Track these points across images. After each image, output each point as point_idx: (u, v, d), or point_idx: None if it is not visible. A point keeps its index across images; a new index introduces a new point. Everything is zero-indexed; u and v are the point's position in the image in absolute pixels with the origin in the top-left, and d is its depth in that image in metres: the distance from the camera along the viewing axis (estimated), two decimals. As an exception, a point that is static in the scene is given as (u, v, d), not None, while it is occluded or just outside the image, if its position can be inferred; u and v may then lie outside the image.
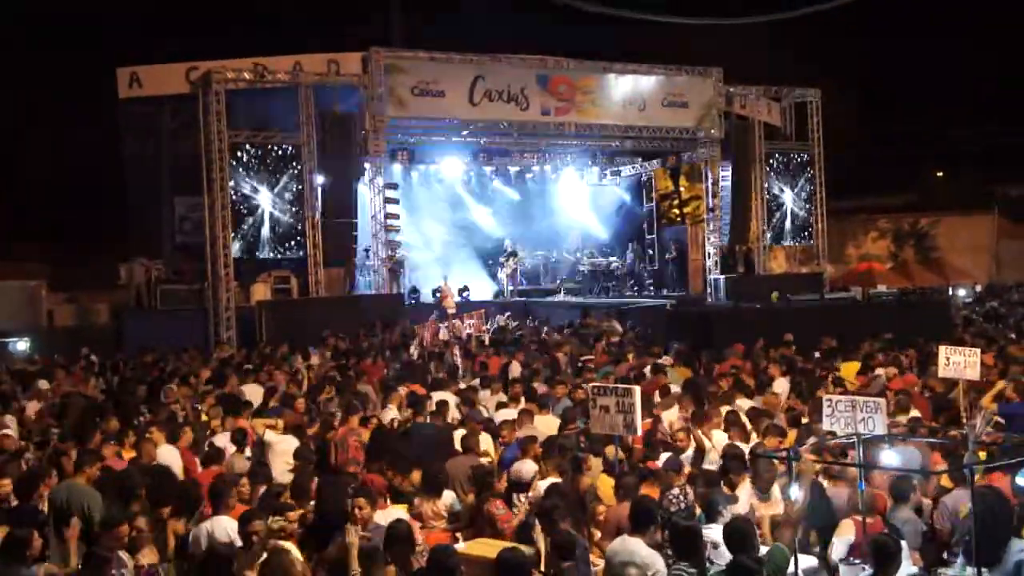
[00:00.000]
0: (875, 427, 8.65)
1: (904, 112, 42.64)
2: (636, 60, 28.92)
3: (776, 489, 8.74)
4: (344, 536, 7.01)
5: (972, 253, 43.17)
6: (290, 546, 7.29)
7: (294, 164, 25.61)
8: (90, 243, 28.43)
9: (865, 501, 7.91)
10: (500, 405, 13.39)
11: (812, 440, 9.58)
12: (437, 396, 13.47)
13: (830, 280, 32.36)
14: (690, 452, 10.36)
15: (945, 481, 8.79)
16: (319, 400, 13.90)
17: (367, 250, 27.36)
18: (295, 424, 11.75)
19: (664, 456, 10.03)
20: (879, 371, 15.33)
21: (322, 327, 22.13)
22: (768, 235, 32.21)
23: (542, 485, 9.17)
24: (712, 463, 9.94)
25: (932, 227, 44.40)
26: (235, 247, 24.81)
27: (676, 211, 34.01)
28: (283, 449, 10.64)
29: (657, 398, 13.22)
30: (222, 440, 11.12)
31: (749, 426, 11.17)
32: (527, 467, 9.60)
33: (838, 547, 7.86)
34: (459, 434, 11.12)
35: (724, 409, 11.82)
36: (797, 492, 7.56)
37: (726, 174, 31.32)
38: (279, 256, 25.81)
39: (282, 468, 10.21)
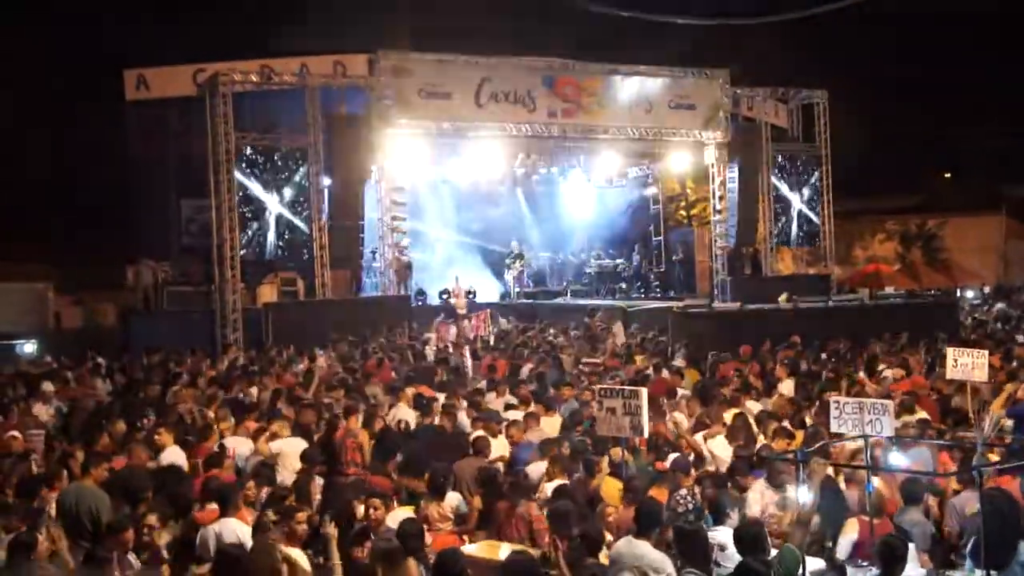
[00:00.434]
0: (883, 429, 8.63)
1: (912, 113, 42.52)
2: (643, 62, 28.89)
3: (790, 491, 8.71)
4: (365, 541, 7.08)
5: (980, 254, 43.10)
6: (298, 554, 7.29)
7: (301, 166, 25.63)
8: (97, 245, 28.43)
9: (872, 502, 7.89)
10: (508, 407, 13.39)
11: (822, 442, 9.55)
12: (444, 398, 13.48)
13: (837, 282, 32.31)
14: (691, 458, 10.34)
15: (952, 483, 8.76)
16: (325, 402, 13.88)
17: (374, 252, 27.36)
18: (304, 424, 11.76)
19: (672, 457, 10.02)
20: (887, 372, 15.32)
21: (329, 329, 22.13)
22: (775, 237, 32.16)
23: (549, 487, 9.16)
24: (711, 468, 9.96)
25: (939, 228, 44.31)
26: (241, 249, 24.83)
27: (683, 213, 33.96)
28: (291, 451, 10.62)
29: (664, 400, 13.20)
30: (230, 443, 11.12)
31: (756, 429, 11.16)
32: (535, 469, 9.60)
33: (843, 545, 7.85)
34: (471, 435, 11.14)
35: (731, 413, 11.81)
36: (807, 494, 7.54)
37: (733, 176, 31.26)
38: (286, 258, 25.82)
39: (293, 471, 10.20)
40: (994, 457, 9.00)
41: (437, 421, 12.45)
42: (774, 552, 7.01)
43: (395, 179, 26.59)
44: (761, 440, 10.88)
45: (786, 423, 11.36)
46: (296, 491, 8.82)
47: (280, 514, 7.73)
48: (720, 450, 10.74)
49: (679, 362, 17.03)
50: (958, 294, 33.79)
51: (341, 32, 29.61)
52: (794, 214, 32.69)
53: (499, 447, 11.25)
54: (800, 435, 10.62)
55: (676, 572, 6.91)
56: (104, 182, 29.00)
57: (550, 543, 7.54)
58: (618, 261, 33.63)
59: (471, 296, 28.69)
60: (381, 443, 11.41)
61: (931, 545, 7.90)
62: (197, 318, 24.25)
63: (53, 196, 30.61)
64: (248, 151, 25.10)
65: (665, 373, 16.05)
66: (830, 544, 8.11)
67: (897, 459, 8.62)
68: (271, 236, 25.49)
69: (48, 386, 15.55)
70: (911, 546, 7.43)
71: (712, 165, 30.37)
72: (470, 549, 7.86)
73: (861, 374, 15.39)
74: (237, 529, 7.66)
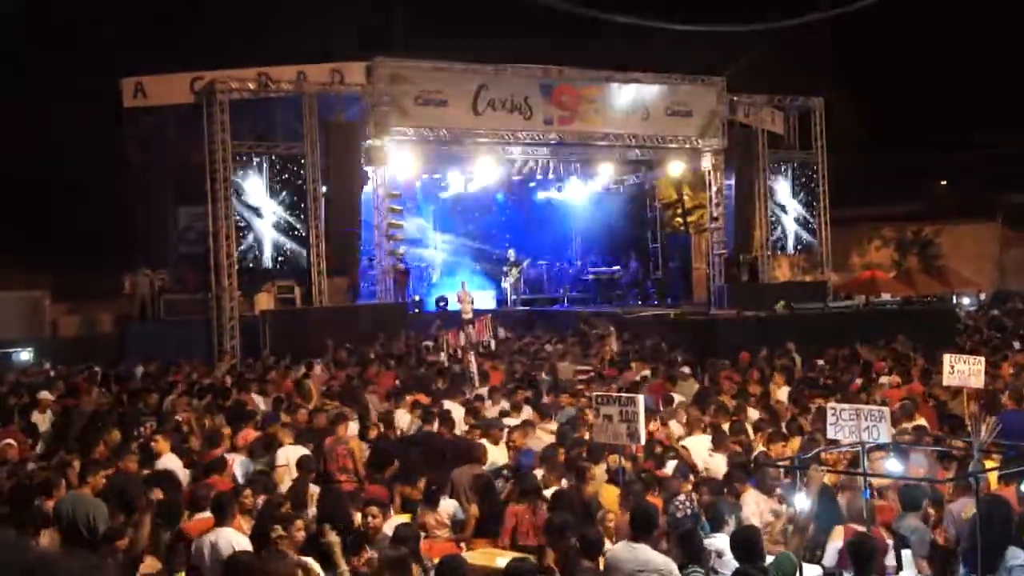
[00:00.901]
0: (879, 435, 8.63)
1: (907, 120, 42.60)
2: (639, 69, 28.95)
3: (783, 497, 8.73)
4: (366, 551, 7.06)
5: (976, 261, 43.09)
6: (313, 563, 7.27)
7: (298, 173, 25.65)
8: (93, 253, 28.39)
9: (867, 509, 7.90)
10: (503, 414, 13.39)
11: (818, 449, 9.56)
12: (444, 405, 13.49)
13: (834, 289, 32.32)
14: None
15: (949, 489, 8.78)
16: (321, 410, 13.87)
17: (371, 259, 27.37)
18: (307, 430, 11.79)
19: (671, 464, 10.04)
20: (883, 379, 15.34)
21: (326, 336, 22.13)
22: (772, 244, 32.20)
23: (546, 494, 9.17)
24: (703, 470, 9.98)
25: (936, 235, 44.33)
26: (238, 257, 24.83)
27: (679, 220, 33.99)
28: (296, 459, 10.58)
29: (661, 407, 13.23)
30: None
31: (753, 436, 11.18)
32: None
33: (829, 553, 7.86)
34: (470, 442, 11.15)
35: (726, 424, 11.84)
36: (804, 500, 7.55)
37: (729, 183, 31.30)
38: (283, 266, 25.82)
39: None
40: (990, 464, 9.01)
41: (435, 428, 12.45)
42: (770, 558, 7.02)
43: (392, 186, 26.62)
44: (759, 447, 10.89)
45: (783, 429, 11.38)
46: (292, 498, 8.81)
47: (278, 522, 7.71)
48: (695, 447, 10.78)
49: (685, 370, 17.01)
50: (954, 301, 33.79)
51: (338, 40, 29.64)
52: (791, 221, 32.74)
53: (500, 454, 11.25)
54: (797, 441, 10.63)
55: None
56: (101, 190, 28.99)
57: (546, 551, 7.53)
58: (615, 268, 33.66)
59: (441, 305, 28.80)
60: (377, 451, 11.41)
61: (929, 551, 7.90)
62: (194, 326, 24.23)
63: (50, 203, 30.57)
64: (246, 159, 25.13)
65: (656, 377, 16.15)
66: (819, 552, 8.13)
67: (894, 466, 8.62)
68: (268, 244, 25.49)
69: (46, 395, 15.54)
70: (909, 552, 7.45)
71: (709, 172, 30.44)
72: (468, 557, 7.85)
73: (858, 381, 15.42)
74: (233, 539, 7.61)
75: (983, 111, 41.75)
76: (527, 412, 13.24)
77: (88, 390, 16.69)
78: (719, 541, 7.42)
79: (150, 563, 7.59)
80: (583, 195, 34.68)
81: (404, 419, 13.10)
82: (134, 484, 9.14)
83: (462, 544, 8.84)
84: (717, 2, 27.32)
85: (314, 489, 9.70)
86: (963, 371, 12.62)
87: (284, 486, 9.82)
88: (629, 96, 28.61)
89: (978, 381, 12.61)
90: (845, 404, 9.65)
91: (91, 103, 28.31)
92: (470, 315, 25.65)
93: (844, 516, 8.36)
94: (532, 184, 33.25)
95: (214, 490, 8.80)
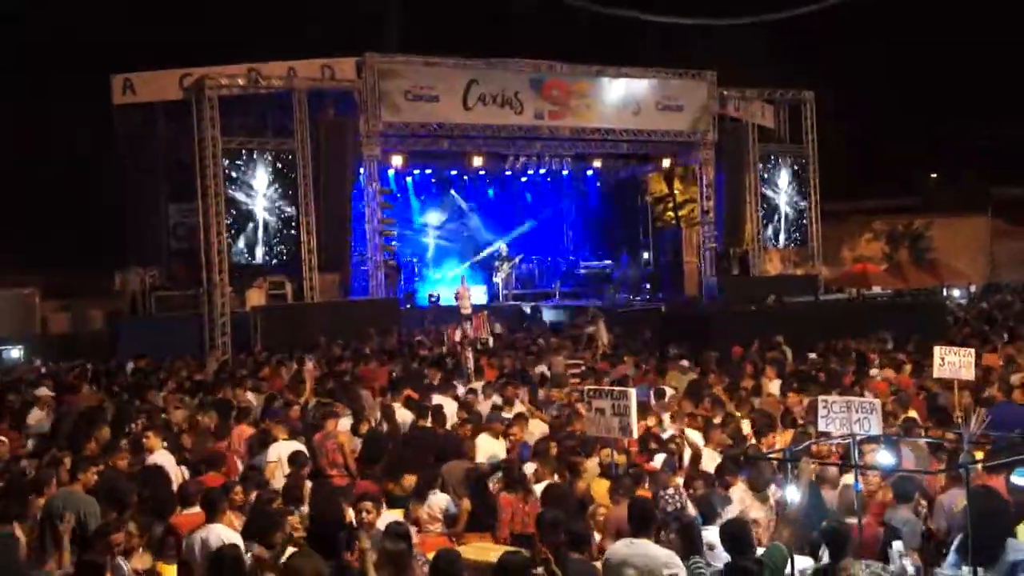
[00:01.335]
0: (870, 428, 8.65)
1: (899, 114, 42.69)
2: (630, 63, 28.97)
3: (772, 490, 8.74)
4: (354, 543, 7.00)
5: (967, 254, 43.20)
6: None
7: (289, 169, 25.61)
8: (84, 250, 28.36)
9: (858, 502, 7.93)
10: (495, 408, 13.38)
11: (809, 441, 9.58)
12: (436, 400, 13.47)
13: (825, 282, 32.41)
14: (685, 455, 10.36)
15: (939, 481, 8.80)
16: (311, 406, 13.87)
17: (362, 255, 27.35)
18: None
19: (659, 457, 10.05)
20: (874, 371, 15.38)
21: (318, 332, 22.13)
22: (763, 237, 32.26)
23: (538, 488, 9.18)
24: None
25: (926, 228, 44.45)
26: (230, 253, 24.79)
27: (671, 214, 34.04)
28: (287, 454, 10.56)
29: (652, 400, 13.24)
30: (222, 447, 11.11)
31: (747, 430, 11.20)
32: (524, 469, 9.63)
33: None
34: (461, 437, 11.16)
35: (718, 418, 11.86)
36: (794, 493, 7.56)
37: (720, 177, 31.36)
38: (274, 261, 25.79)
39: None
40: (980, 455, 9.03)
41: (428, 423, 12.44)
42: (761, 551, 7.04)
43: (383, 182, 26.59)
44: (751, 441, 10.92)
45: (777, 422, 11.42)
46: (286, 494, 8.80)
47: (270, 519, 7.69)
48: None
49: (684, 363, 17.01)
50: (944, 293, 33.89)
51: (329, 35, 29.60)
52: (781, 215, 32.81)
53: (499, 448, 11.25)
54: (789, 434, 10.66)
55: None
56: (91, 187, 28.93)
57: (536, 546, 7.51)
58: (606, 262, 33.70)
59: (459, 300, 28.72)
60: (369, 446, 11.41)
61: (920, 543, 7.92)
62: (185, 323, 24.19)
63: (40, 201, 30.50)
64: (236, 155, 25.09)
65: (648, 371, 16.20)
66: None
67: (885, 458, 8.64)
68: (259, 239, 25.45)
69: (45, 391, 15.51)
70: (900, 544, 7.47)
71: (699, 166, 30.48)
72: (461, 551, 7.84)
73: (851, 373, 15.44)
74: (224, 535, 7.59)
75: (975, 105, 41.84)
76: (519, 406, 13.24)
77: (79, 387, 16.66)
78: (711, 534, 7.42)
79: (142, 558, 7.58)
80: (574, 190, 34.70)
81: (399, 414, 13.07)
82: (125, 481, 9.12)
83: (454, 539, 8.84)
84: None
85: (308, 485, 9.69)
86: (954, 363, 12.65)
87: (276, 482, 9.81)
88: (620, 91, 28.65)
89: (968, 373, 12.64)
90: (836, 397, 9.68)
91: (81, 100, 28.25)
92: (469, 311, 25.65)
93: (831, 509, 8.38)
94: (523, 179, 33.26)
95: (204, 485, 8.78)
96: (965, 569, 6.74)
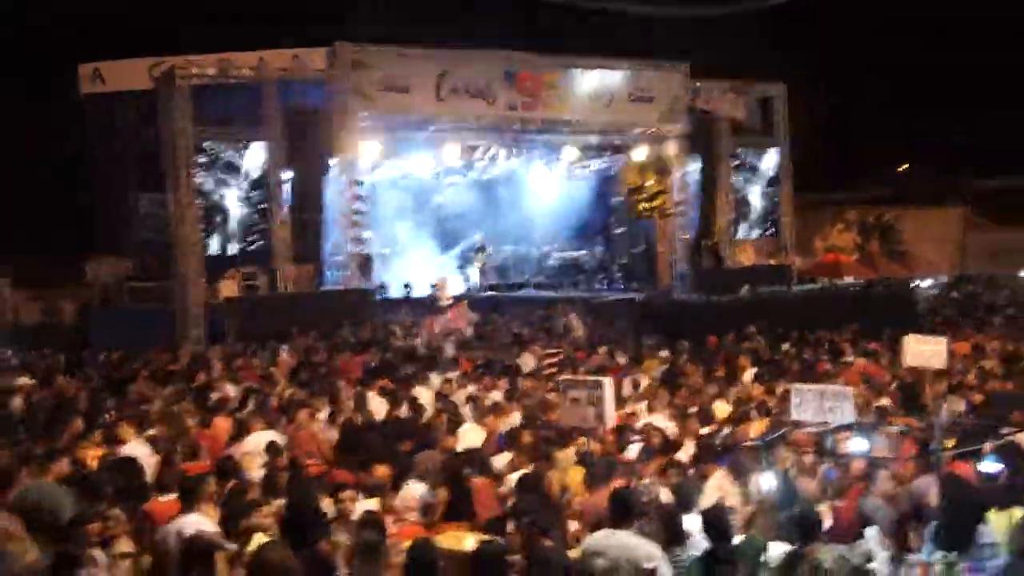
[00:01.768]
0: (843, 416, 8.75)
1: (870, 105, 42.92)
2: (602, 54, 28.96)
3: (751, 480, 8.80)
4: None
5: (938, 245, 43.59)
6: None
7: (260, 160, 25.48)
8: (55, 240, 28.09)
9: (834, 488, 8.01)
10: (470, 399, 13.41)
11: (783, 429, 9.66)
12: (412, 391, 13.48)
13: (797, 272, 32.62)
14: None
15: (910, 468, 8.89)
16: (284, 397, 13.83)
17: (335, 245, 27.24)
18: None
19: (635, 447, 10.09)
20: (849, 358, 15.53)
21: (291, 323, 22.04)
22: (736, 228, 32.41)
23: (514, 477, 9.20)
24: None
25: (896, 220, 44.78)
26: (202, 244, 24.64)
27: (644, 205, 34.05)
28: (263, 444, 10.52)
29: (628, 390, 13.30)
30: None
31: (721, 418, 11.28)
32: (500, 458, 9.64)
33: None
34: (438, 426, 11.17)
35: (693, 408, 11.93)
36: (770, 481, 7.62)
37: (693, 168, 31.48)
38: (247, 252, 25.66)
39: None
40: (950, 442, 9.14)
41: (403, 413, 12.45)
42: (738, 539, 7.09)
43: (355, 172, 26.42)
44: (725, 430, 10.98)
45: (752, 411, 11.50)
46: (264, 484, 8.76)
47: (245, 509, 7.66)
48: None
49: (663, 353, 17.07)
50: (915, 284, 34.20)
51: (300, 25, 29.39)
52: (754, 206, 32.97)
53: (477, 437, 11.26)
54: (764, 423, 10.74)
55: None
56: (61, 177, 28.66)
57: (511, 532, 7.53)
58: (580, 253, 33.75)
59: (434, 290, 28.67)
60: (345, 436, 11.39)
61: (891, 529, 8.01)
62: (157, 314, 24.03)
63: (9, 191, 30.15)
64: (207, 145, 24.92)
65: (623, 361, 16.26)
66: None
67: (859, 445, 8.72)
68: (232, 230, 25.32)
69: (25, 381, 15.38)
70: (874, 530, 7.56)
71: (672, 158, 30.54)
72: (436, 540, 7.85)
73: (827, 363, 15.56)
74: (200, 525, 7.54)
75: (949, 97, 42.12)
76: (494, 396, 13.26)
77: (53, 378, 16.54)
78: (687, 522, 7.46)
79: (123, 543, 7.52)
80: (548, 181, 34.70)
81: (374, 403, 13.07)
82: (98, 471, 9.05)
83: (430, 528, 8.84)
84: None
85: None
86: (924, 352, 12.80)
87: (252, 473, 9.77)
88: (592, 82, 28.61)
89: (939, 361, 12.79)
90: (810, 385, 9.78)
91: (50, 90, 27.95)
92: (449, 302, 25.60)
93: (806, 496, 8.45)
94: (496, 170, 33.21)
95: (181, 472, 8.73)
96: (938, 554, 6.82)
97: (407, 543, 7.01)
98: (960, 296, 29.73)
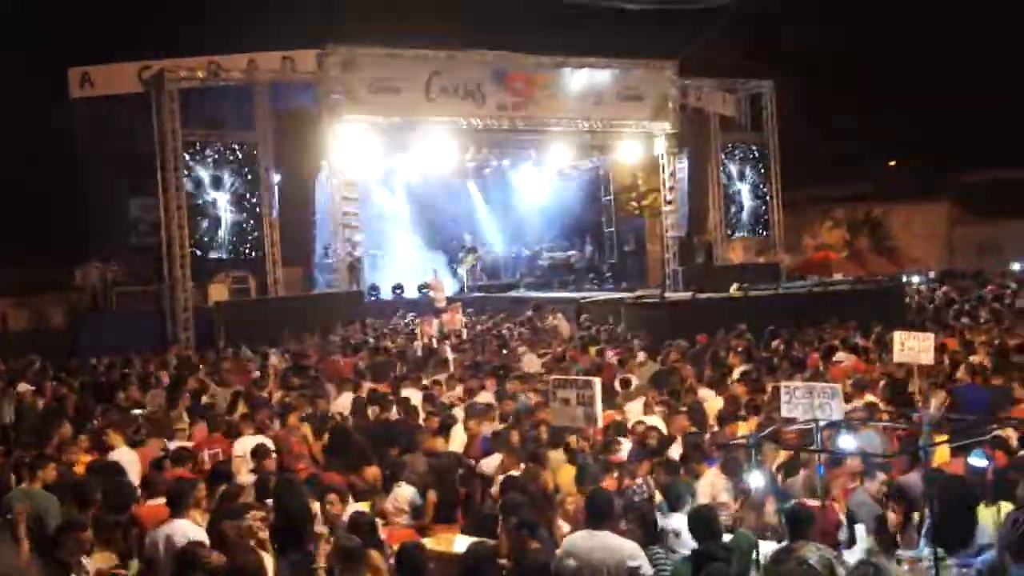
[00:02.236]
0: (832, 412, 8.75)
1: (858, 102, 43.01)
2: (591, 53, 28.96)
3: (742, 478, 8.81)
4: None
5: (926, 241, 43.77)
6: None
7: (250, 162, 25.44)
8: (43, 245, 27.96)
9: (822, 485, 8.02)
10: (460, 400, 13.39)
11: (773, 427, 9.66)
12: (402, 393, 13.46)
13: (787, 270, 32.67)
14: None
15: (898, 464, 8.91)
16: (276, 400, 13.79)
17: (326, 248, 27.21)
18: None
19: (626, 447, 10.08)
20: (839, 355, 15.54)
21: (281, 327, 22.01)
22: (725, 226, 32.46)
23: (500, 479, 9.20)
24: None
25: (885, 216, 44.91)
26: (192, 247, 24.59)
27: (634, 204, 34.13)
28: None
29: (619, 389, 13.30)
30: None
31: (712, 417, 11.28)
32: (489, 461, 9.63)
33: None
34: (428, 428, 11.16)
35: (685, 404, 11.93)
36: (759, 478, 7.63)
37: (682, 166, 31.51)
38: (236, 256, 25.62)
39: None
40: (940, 438, 9.15)
41: (393, 415, 12.42)
42: (727, 537, 7.08)
43: (346, 174, 26.41)
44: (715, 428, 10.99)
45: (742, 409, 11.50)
46: (258, 488, 8.74)
47: (234, 513, 7.62)
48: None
49: (641, 356, 17.06)
50: (903, 280, 34.29)
51: (289, 27, 29.34)
52: (744, 204, 33.03)
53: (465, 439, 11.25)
54: (754, 421, 10.74)
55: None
56: (50, 181, 28.52)
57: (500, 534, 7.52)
58: (571, 253, 33.77)
59: (424, 291, 28.68)
60: (335, 439, 11.36)
61: (878, 526, 8.02)
62: (147, 318, 23.99)
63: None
64: (197, 148, 24.89)
65: (611, 357, 16.29)
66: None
67: (847, 442, 8.73)
68: (222, 234, 25.28)
69: (25, 387, 15.32)
70: (861, 527, 7.57)
71: (662, 156, 30.56)
72: (426, 542, 7.85)
73: (818, 360, 15.56)
74: (189, 532, 7.49)
75: (934, 93, 42.24)
76: (483, 397, 13.24)
77: (41, 384, 16.46)
78: (676, 521, 7.46)
79: (103, 556, 7.47)
80: (538, 180, 34.72)
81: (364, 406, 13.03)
82: (86, 478, 9.02)
83: (420, 531, 8.84)
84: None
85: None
86: (913, 348, 12.83)
87: (241, 477, 9.75)
88: (582, 81, 28.61)
89: (928, 357, 12.82)
90: (799, 383, 9.79)
91: (40, 93, 27.85)
92: (443, 303, 25.56)
93: (791, 493, 8.46)
94: (487, 170, 33.23)
95: (169, 476, 8.71)
96: (927, 551, 6.84)
97: (397, 545, 7.01)
98: (949, 291, 29.77)
